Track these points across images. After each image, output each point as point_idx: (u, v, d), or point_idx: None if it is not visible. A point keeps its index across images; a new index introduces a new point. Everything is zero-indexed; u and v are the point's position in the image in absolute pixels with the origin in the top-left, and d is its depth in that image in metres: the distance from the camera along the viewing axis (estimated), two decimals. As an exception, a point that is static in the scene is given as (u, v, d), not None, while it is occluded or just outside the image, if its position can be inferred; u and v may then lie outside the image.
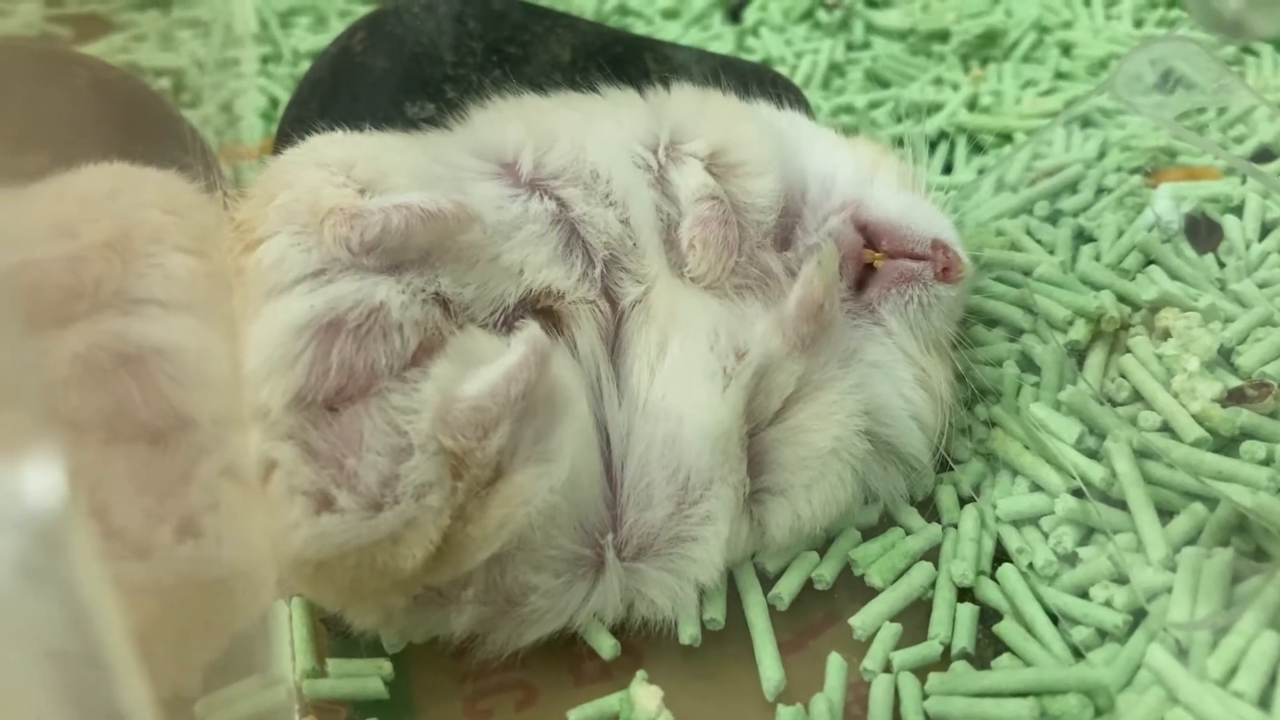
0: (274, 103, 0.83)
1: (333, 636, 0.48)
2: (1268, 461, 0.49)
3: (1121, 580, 0.47)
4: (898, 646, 0.48)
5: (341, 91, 0.63)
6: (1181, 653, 0.44)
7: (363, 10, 0.94)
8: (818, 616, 0.49)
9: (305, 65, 0.85)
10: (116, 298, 0.41)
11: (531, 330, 0.44)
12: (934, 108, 0.79)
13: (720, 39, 0.89)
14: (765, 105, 0.59)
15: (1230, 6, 0.35)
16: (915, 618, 0.49)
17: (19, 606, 0.16)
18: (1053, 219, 0.66)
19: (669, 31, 0.89)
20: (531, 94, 0.57)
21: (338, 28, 0.90)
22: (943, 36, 0.87)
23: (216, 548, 0.39)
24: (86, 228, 0.42)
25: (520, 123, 0.52)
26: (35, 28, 0.71)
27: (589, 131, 0.51)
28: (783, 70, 0.81)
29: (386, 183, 0.45)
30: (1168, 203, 0.66)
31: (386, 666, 0.47)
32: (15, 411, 0.23)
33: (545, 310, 0.48)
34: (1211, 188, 0.68)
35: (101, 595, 0.18)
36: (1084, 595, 0.48)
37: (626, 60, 0.66)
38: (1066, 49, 0.86)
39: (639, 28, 0.91)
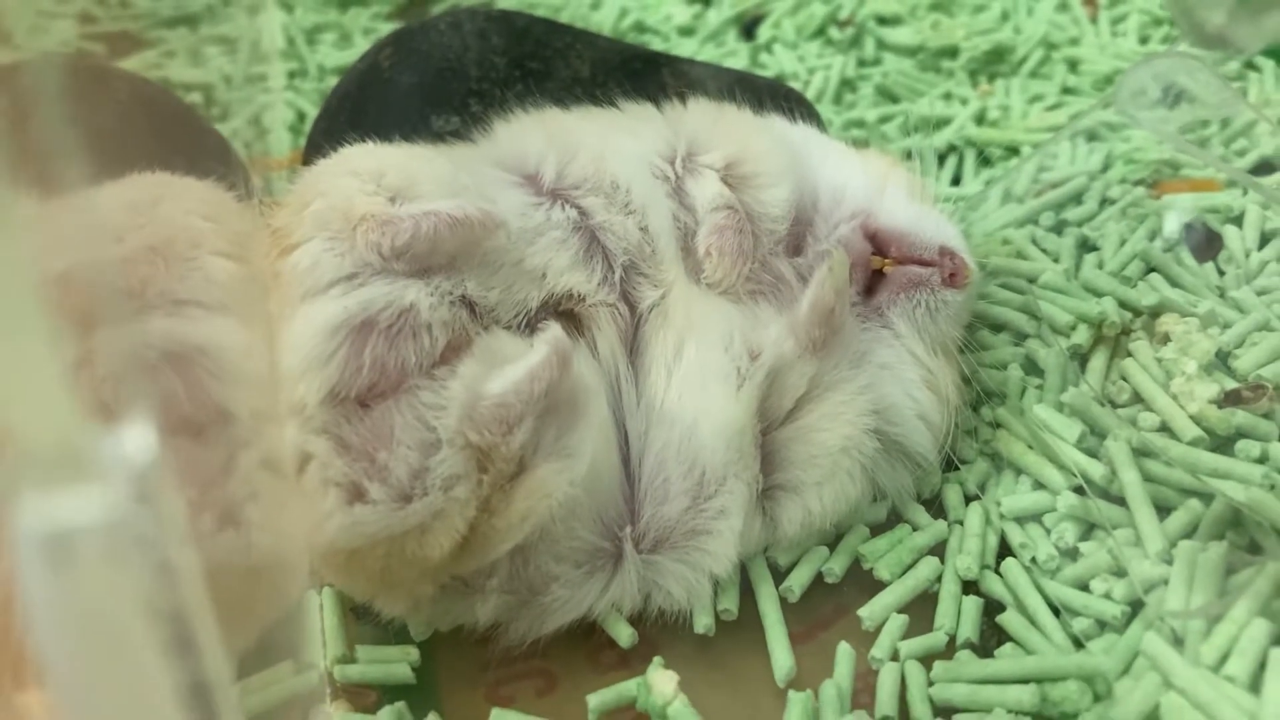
0: (301, 116, 0.85)
1: (362, 624, 0.50)
2: (1262, 460, 0.51)
3: (1120, 573, 0.49)
4: (905, 637, 0.49)
5: (370, 105, 0.66)
6: (1177, 641, 0.45)
7: (386, 27, 0.96)
8: (828, 608, 0.51)
9: (331, 80, 0.87)
10: (161, 299, 0.43)
11: (554, 331, 0.46)
12: (943, 122, 0.81)
13: (735, 55, 0.91)
14: (779, 119, 0.61)
15: (1214, 22, 0.37)
16: (922, 610, 0.50)
17: (129, 553, 0.18)
18: (1057, 229, 0.68)
19: (685, 48, 0.91)
20: (553, 108, 0.59)
21: (362, 44, 0.93)
22: (952, 53, 0.89)
23: (255, 536, 0.41)
24: (133, 233, 0.44)
25: (542, 135, 0.54)
26: (71, 44, 0.73)
27: (609, 144, 0.53)
28: (796, 86, 0.83)
29: (416, 191, 0.47)
30: (1171, 214, 0.67)
31: (414, 653, 0.49)
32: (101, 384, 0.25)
33: (567, 313, 0.50)
34: (1213, 199, 0.69)
35: (185, 553, 0.20)
36: (1084, 588, 0.49)
37: (644, 75, 0.68)
38: (1073, 65, 0.88)
39: (656, 44, 0.93)
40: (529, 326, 0.49)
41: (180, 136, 0.63)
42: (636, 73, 0.68)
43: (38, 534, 0.17)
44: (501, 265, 0.48)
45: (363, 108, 0.66)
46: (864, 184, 0.57)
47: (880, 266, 0.54)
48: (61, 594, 0.17)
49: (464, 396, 0.44)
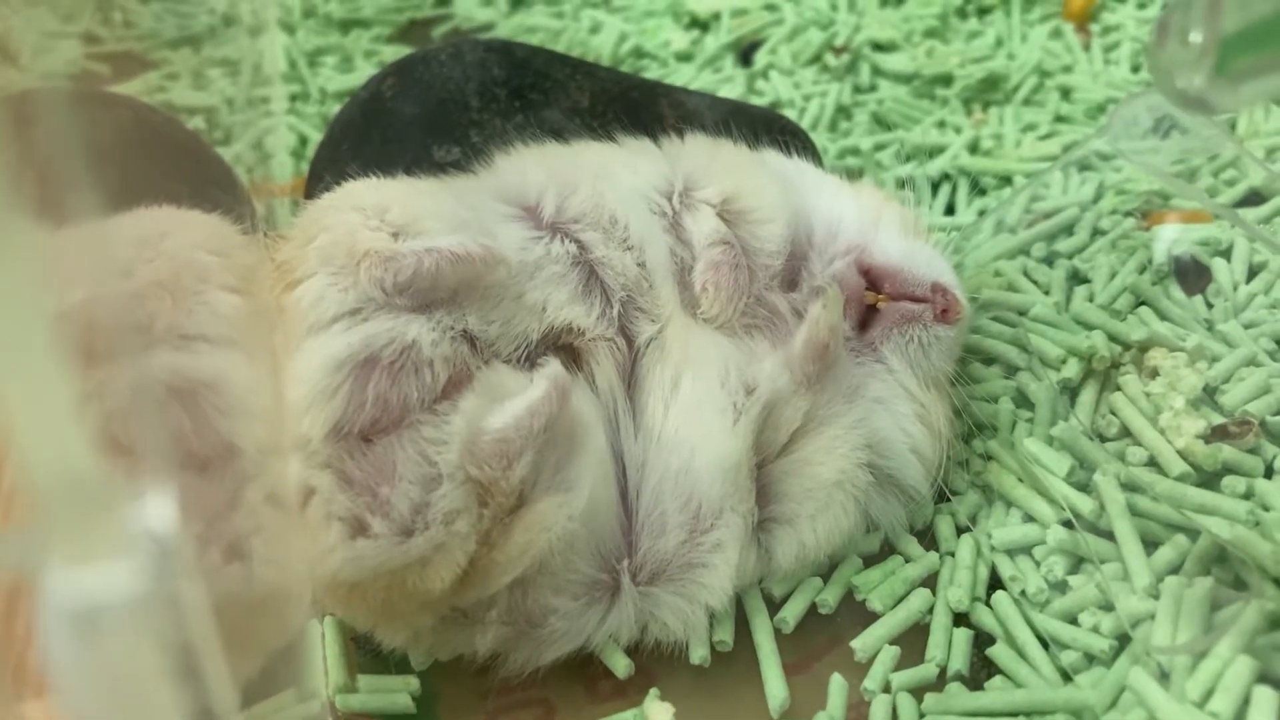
0: (303, 141, 0.85)
1: (363, 654, 0.51)
2: (1247, 496, 0.52)
3: (1108, 607, 0.50)
4: (896, 668, 0.50)
5: (372, 134, 0.67)
6: (1163, 676, 0.46)
7: (387, 50, 0.97)
8: (821, 639, 0.52)
9: (333, 104, 0.88)
10: (169, 333, 0.44)
11: (553, 366, 0.47)
12: (937, 150, 0.82)
13: (731, 81, 0.91)
14: (774, 153, 0.61)
15: (1194, 86, 0.38)
16: (913, 641, 0.51)
17: (153, 622, 0.19)
18: (1049, 260, 0.69)
19: (682, 74, 0.92)
20: (552, 139, 0.60)
21: (363, 67, 0.94)
22: (946, 81, 0.90)
23: (259, 569, 0.42)
24: (141, 268, 0.45)
25: (542, 169, 0.55)
26: (76, 65, 0.74)
27: (608, 178, 0.54)
28: (791, 113, 0.83)
29: (419, 227, 0.48)
30: (1160, 246, 0.68)
31: (414, 683, 0.50)
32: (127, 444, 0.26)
33: (566, 347, 0.51)
34: (1203, 231, 0.70)
35: (200, 608, 0.21)
36: (1073, 621, 0.50)
37: (642, 106, 0.69)
38: (1066, 92, 0.89)
39: (654, 69, 0.93)
40: (529, 361, 0.49)
41: (186, 165, 0.64)
42: (635, 103, 0.69)
43: (64, 609, 0.18)
44: (502, 299, 0.49)
45: (365, 137, 0.67)
46: (858, 219, 0.58)
47: (874, 302, 0.55)
48: (87, 662, 0.18)
49: (465, 432, 0.44)
